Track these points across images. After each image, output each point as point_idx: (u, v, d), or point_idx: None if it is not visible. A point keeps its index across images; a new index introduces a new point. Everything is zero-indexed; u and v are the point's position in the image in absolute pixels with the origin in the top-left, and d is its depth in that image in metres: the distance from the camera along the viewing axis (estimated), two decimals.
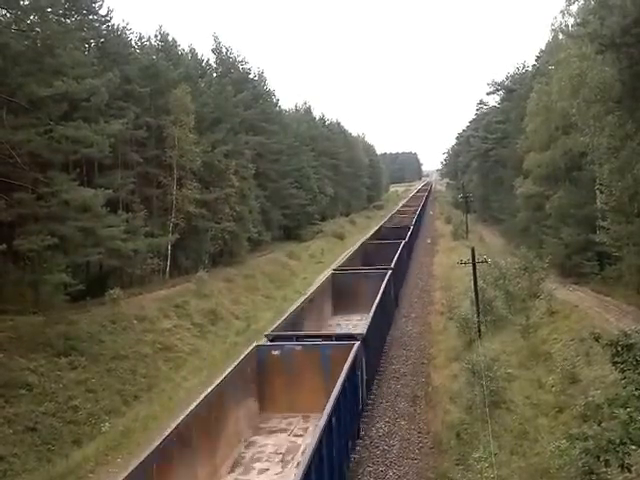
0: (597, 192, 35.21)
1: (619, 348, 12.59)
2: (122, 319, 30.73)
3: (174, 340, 31.97)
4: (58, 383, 23.50)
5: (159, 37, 50.06)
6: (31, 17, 29.37)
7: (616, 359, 12.70)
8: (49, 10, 29.84)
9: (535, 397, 20.68)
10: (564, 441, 12.35)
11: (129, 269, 37.46)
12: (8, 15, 28.66)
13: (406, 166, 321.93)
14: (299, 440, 16.98)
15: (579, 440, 11.26)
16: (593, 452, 10.75)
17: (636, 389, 11.50)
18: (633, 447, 10.53)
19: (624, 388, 12.10)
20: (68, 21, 33.17)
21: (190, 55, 55.80)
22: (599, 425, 11.49)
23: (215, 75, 61.17)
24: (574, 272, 37.33)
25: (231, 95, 55.01)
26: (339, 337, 20.73)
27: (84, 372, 25.07)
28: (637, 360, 12.15)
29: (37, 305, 28.26)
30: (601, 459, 10.66)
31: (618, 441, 10.45)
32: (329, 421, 13.47)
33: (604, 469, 11.15)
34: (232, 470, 15.45)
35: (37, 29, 29.11)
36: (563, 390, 20.21)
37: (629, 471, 11.00)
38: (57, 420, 21.68)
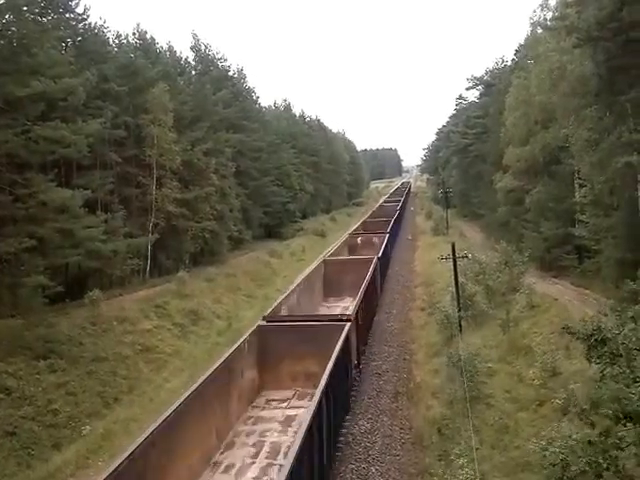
0: (576, 186, 35.52)
1: (593, 342, 12.06)
2: (102, 321, 30.43)
3: (155, 341, 31.73)
4: (37, 386, 23.19)
5: (137, 35, 49.65)
6: (7, 16, 28.88)
7: (592, 353, 12.18)
8: (25, 9, 29.37)
9: (515, 391, 20.81)
10: (544, 443, 12.17)
11: (108, 270, 36.95)
12: None
13: (386, 162, 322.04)
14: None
15: (563, 445, 11.15)
16: (582, 456, 10.61)
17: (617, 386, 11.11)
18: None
19: (602, 382, 11.79)
20: (44, 20, 32.78)
21: (168, 53, 55.34)
22: (593, 428, 11.31)
23: (194, 73, 60.85)
24: (554, 266, 37.68)
25: (210, 93, 54.77)
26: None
27: (64, 375, 24.80)
28: (613, 354, 11.64)
29: (15, 308, 27.83)
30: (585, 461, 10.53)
31: (615, 453, 10.37)
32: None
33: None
34: None
35: (13, 28, 28.71)
36: (543, 383, 20.36)
37: (619, 471, 10.76)
38: (37, 424, 21.41)
